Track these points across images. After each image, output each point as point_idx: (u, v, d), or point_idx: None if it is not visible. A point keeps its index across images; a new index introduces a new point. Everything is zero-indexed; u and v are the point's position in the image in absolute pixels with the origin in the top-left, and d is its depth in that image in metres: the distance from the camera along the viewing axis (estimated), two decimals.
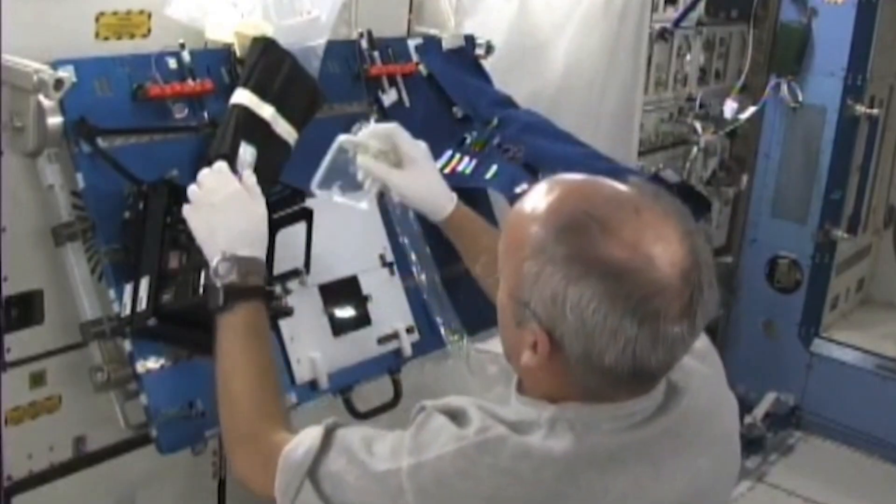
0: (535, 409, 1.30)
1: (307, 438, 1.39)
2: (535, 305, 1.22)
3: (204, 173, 1.68)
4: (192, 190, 1.66)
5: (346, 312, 2.06)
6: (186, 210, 1.64)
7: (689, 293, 1.20)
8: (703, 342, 1.39)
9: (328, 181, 1.89)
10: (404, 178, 1.91)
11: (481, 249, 1.84)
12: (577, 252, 1.19)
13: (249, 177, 1.70)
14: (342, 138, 1.91)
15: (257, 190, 1.68)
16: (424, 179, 1.94)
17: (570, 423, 1.27)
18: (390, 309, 2.14)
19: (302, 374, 1.96)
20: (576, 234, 1.20)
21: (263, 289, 1.61)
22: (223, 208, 1.64)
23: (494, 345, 2.26)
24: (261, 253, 1.64)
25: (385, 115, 2.28)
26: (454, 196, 1.98)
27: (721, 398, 1.43)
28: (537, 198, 1.27)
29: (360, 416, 2.06)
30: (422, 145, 1.95)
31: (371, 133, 1.93)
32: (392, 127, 1.94)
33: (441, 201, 1.96)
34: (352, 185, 1.92)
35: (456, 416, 1.32)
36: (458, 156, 2.34)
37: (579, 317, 1.19)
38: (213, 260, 1.60)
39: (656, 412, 1.31)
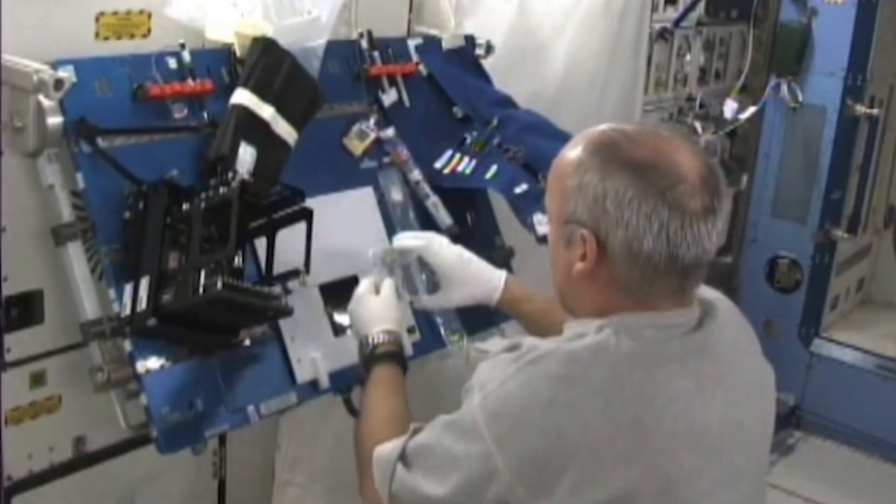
0: (582, 325, 1.45)
1: (395, 439, 1.56)
2: (580, 213, 1.41)
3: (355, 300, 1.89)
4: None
5: (346, 312, 2.06)
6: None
7: (709, 195, 1.38)
8: (726, 303, 1.56)
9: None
10: (446, 298, 1.96)
11: (538, 310, 1.92)
12: (609, 157, 1.40)
13: (387, 287, 1.89)
14: (371, 253, 2.00)
15: (385, 293, 1.88)
16: (463, 291, 1.95)
17: (615, 329, 1.41)
18: None
19: (302, 373, 1.96)
20: (607, 146, 1.42)
21: (393, 353, 1.79)
22: (357, 314, 1.88)
23: (494, 345, 2.27)
24: (393, 326, 1.83)
25: (385, 115, 2.28)
26: (501, 277, 1.96)
27: (752, 350, 1.57)
28: (571, 143, 1.49)
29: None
30: (449, 255, 1.95)
31: (399, 248, 2.00)
32: (421, 247, 1.96)
33: (488, 293, 1.96)
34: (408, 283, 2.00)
35: (509, 349, 1.47)
36: (458, 156, 2.34)
37: (618, 207, 1.37)
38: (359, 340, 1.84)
39: (694, 328, 1.45)
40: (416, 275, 2.01)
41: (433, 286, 1.99)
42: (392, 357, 1.78)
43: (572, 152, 1.47)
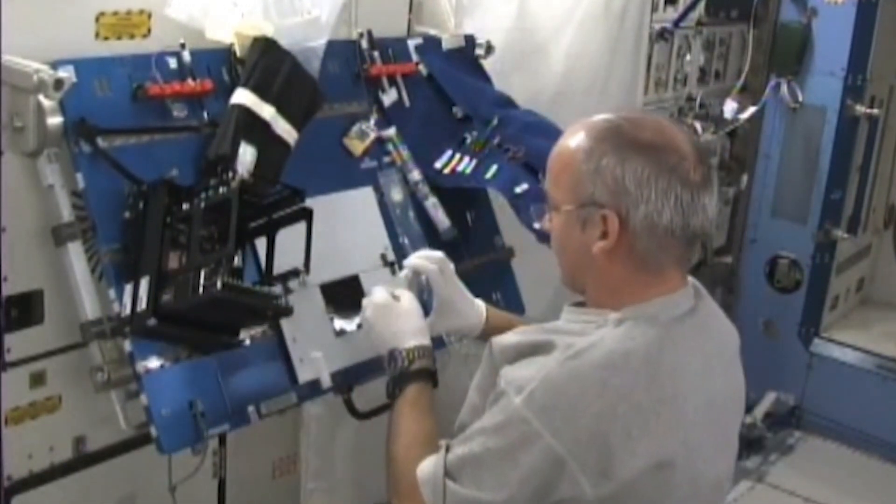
0: (597, 314, 1.55)
1: (433, 456, 1.56)
2: (599, 195, 1.50)
3: (367, 305, 1.84)
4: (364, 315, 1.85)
5: (347, 312, 2.06)
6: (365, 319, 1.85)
7: (705, 168, 1.52)
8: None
9: None
10: (436, 324, 1.91)
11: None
12: (619, 142, 1.50)
13: (408, 297, 1.85)
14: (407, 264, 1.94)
15: (409, 305, 1.83)
16: (455, 322, 1.93)
17: (634, 319, 1.52)
18: None
19: (303, 373, 1.96)
20: (613, 132, 1.52)
21: (426, 371, 1.76)
22: (383, 323, 1.81)
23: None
24: (425, 340, 1.79)
25: (385, 114, 2.28)
26: (482, 308, 1.95)
27: (725, 319, 1.70)
28: (568, 135, 1.57)
29: (361, 416, 2.06)
30: (455, 286, 1.93)
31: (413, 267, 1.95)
32: (432, 270, 1.91)
33: (473, 327, 1.95)
34: None
35: (535, 351, 1.54)
36: (458, 156, 2.34)
37: (638, 185, 1.48)
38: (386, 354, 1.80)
39: (693, 308, 1.58)
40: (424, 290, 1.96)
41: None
42: (426, 374, 1.75)
43: (575, 140, 1.54)
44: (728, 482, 1.68)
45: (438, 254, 1.93)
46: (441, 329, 1.94)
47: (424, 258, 1.92)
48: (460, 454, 1.52)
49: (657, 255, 1.53)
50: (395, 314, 1.81)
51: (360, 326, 2.00)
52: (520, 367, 1.53)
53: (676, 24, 3.38)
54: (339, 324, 2.03)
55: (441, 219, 2.28)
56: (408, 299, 1.84)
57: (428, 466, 1.55)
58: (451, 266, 1.95)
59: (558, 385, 1.46)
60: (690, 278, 1.64)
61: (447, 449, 1.55)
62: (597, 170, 1.50)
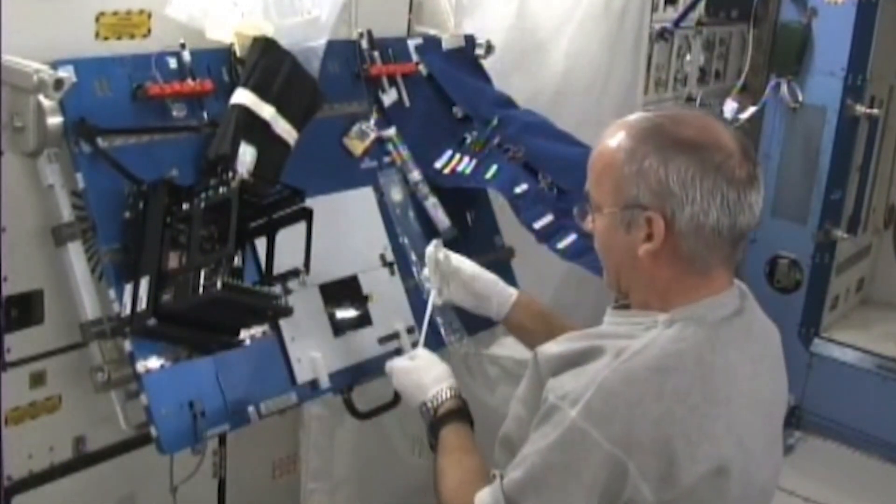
0: (647, 317, 1.53)
1: (487, 488, 1.52)
2: (643, 197, 1.47)
3: (390, 371, 1.89)
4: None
5: (346, 312, 2.06)
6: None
7: (751, 165, 1.48)
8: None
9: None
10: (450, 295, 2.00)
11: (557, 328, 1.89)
12: (662, 142, 1.47)
13: (423, 354, 1.89)
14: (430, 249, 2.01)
15: (424, 360, 1.87)
16: (462, 294, 2.01)
17: (683, 321, 1.50)
18: (390, 309, 2.14)
19: (303, 373, 1.96)
20: (655, 132, 1.49)
21: (455, 411, 1.75)
22: (406, 384, 1.85)
23: (495, 347, 2.27)
24: (446, 383, 1.80)
25: (385, 114, 2.28)
26: (506, 298, 2.01)
27: (769, 320, 1.69)
28: (607, 135, 1.54)
29: (361, 416, 2.06)
30: (465, 264, 2.02)
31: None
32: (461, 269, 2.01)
33: (487, 306, 2.01)
34: None
35: (583, 359, 1.50)
36: (458, 156, 2.34)
37: (683, 187, 1.45)
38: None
39: (739, 309, 1.56)
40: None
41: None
42: (456, 414, 1.74)
43: (616, 142, 1.51)
44: (774, 486, 1.66)
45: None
46: (456, 299, 2.00)
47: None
48: (518, 479, 1.47)
49: (704, 256, 1.50)
50: (414, 371, 1.84)
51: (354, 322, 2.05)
52: (569, 378, 1.49)
53: (676, 24, 3.38)
54: (340, 314, 2.05)
55: (441, 219, 2.28)
56: (423, 355, 1.88)
57: (485, 499, 1.51)
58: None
59: (614, 392, 1.42)
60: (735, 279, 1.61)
61: (501, 477, 1.51)
62: (640, 171, 1.47)
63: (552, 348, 1.58)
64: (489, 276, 2.03)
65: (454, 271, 2.00)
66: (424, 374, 1.82)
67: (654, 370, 1.44)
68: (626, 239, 1.51)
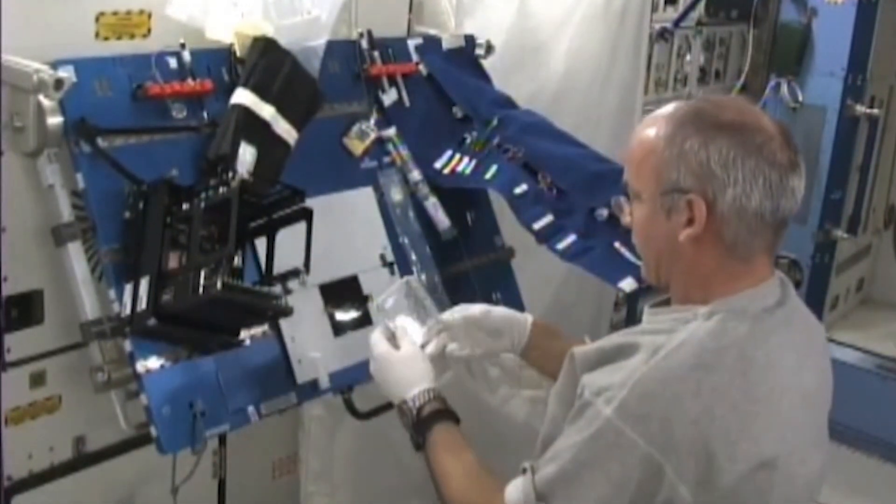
0: (686, 311, 1.49)
1: (517, 481, 1.50)
2: (684, 181, 1.45)
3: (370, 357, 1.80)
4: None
5: (346, 312, 2.06)
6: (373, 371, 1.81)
7: (792, 150, 1.46)
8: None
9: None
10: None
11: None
12: (702, 124, 1.45)
13: (406, 345, 1.79)
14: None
15: (407, 352, 1.78)
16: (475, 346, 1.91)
17: (724, 314, 1.46)
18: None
19: (303, 373, 1.96)
20: (695, 115, 1.47)
21: (440, 411, 1.70)
22: (385, 376, 1.78)
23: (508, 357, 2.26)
24: (427, 384, 1.73)
25: (385, 114, 2.28)
26: (519, 332, 1.91)
27: (814, 320, 1.65)
28: (646, 123, 1.53)
29: (361, 416, 2.06)
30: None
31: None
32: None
33: (502, 347, 1.92)
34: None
35: (619, 355, 1.48)
36: (457, 156, 2.34)
37: (724, 168, 1.42)
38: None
39: (780, 300, 1.53)
40: (425, 302, 1.94)
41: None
42: (440, 416, 1.70)
43: (653, 129, 1.50)
44: (821, 481, 1.63)
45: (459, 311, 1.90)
46: (469, 348, 1.90)
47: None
48: (549, 475, 1.45)
49: (747, 242, 1.47)
50: (395, 363, 1.77)
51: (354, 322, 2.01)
52: (604, 373, 1.46)
53: (676, 24, 3.38)
54: (340, 314, 2.04)
55: (441, 219, 2.28)
56: (406, 345, 1.79)
57: (515, 494, 1.49)
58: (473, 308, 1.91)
59: (651, 390, 1.39)
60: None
61: (533, 471, 1.48)
62: (680, 154, 1.45)
63: (590, 345, 1.56)
64: (498, 307, 1.94)
65: (458, 320, 1.89)
66: (406, 368, 1.76)
67: (693, 367, 1.41)
68: (667, 225, 1.48)
